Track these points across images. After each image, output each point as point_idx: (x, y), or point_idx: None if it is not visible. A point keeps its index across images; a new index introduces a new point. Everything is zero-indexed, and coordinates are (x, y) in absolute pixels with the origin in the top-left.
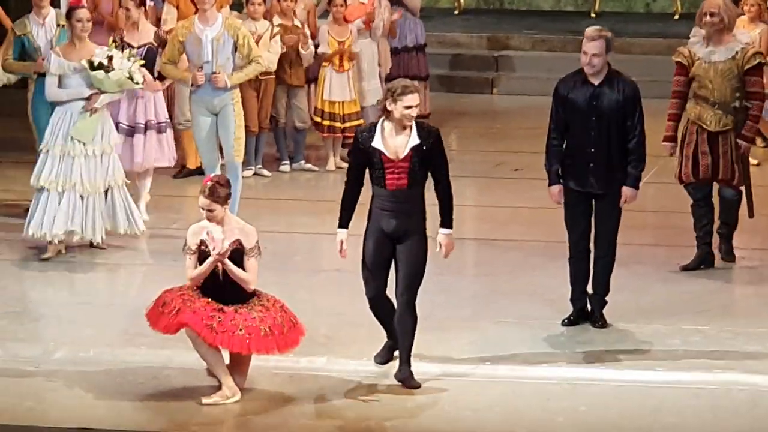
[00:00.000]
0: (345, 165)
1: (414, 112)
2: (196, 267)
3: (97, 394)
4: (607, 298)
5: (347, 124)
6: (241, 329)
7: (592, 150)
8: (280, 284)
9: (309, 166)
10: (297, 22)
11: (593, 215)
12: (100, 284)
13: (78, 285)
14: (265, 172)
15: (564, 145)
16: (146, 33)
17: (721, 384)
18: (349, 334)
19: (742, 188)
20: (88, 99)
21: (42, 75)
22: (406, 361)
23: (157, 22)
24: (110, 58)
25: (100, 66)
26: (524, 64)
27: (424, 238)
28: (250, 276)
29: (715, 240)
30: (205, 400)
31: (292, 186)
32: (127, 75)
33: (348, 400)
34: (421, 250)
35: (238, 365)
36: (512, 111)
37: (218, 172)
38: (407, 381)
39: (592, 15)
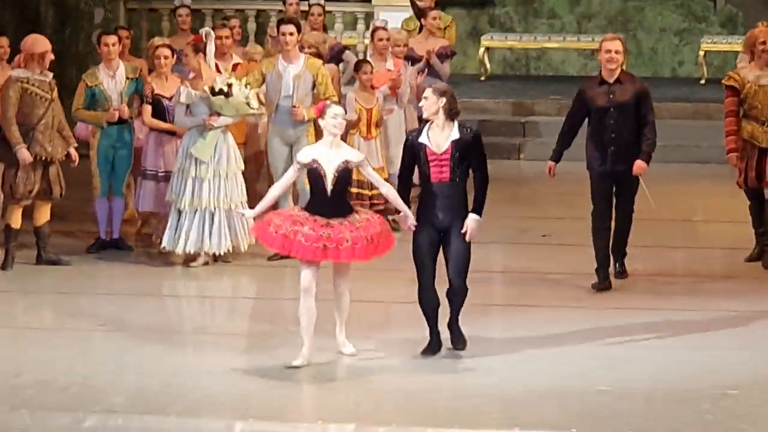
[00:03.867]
0: None
1: (421, 102)
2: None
3: None
4: (626, 251)
5: (375, 192)
6: (348, 240)
7: (612, 136)
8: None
9: None
10: None
11: (615, 192)
12: (132, 352)
13: (110, 349)
14: None
15: (574, 136)
16: (175, 83)
17: None
18: (398, 322)
19: None
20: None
21: (111, 124)
22: (455, 327)
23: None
24: (230, 86)
25: (221, 92)
26: (551, 129)
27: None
28: (378, 181)
29: None
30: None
31: None
32: (245, 101)
33: (395, 384)
34: (468, 241)
35: (342, 269)
36: (539, 176)
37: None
38: (458, 343)
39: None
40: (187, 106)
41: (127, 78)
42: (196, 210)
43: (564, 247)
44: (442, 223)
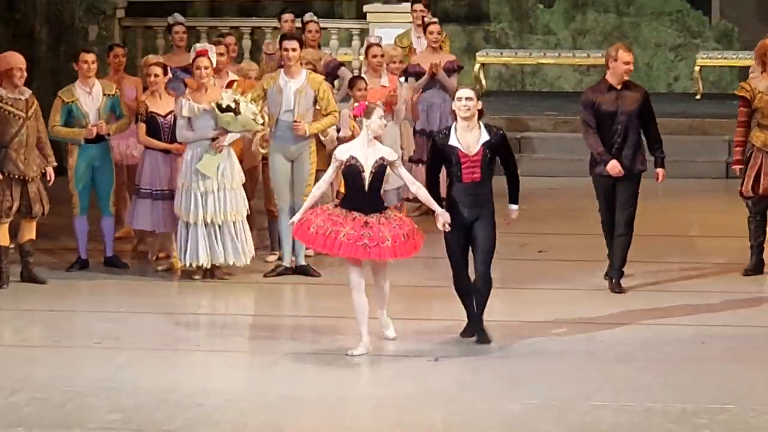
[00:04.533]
0: None
1: (464, 103)
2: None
3: None
4: (624, 269)
5: None
6: (388, 239)
7: (618, 140)
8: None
9: None
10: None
11: (616, 198)
12: (128, 369)
13: (106, 366)
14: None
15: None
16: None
17: None
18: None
19: None
20: (213, 139)
21: (88, 141)
22: (480, 322)
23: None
24: (236, 102)
25: (228, 108)
26: (546, 145)
27: (494, 221)
28: (409, 179)
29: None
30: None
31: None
32: (252, 117)
33: (392, 398)
34: (493, 231)
35: (381, 265)
36: (535, 192)
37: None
38: (481, 339)
39: None
40: (189, 119)
41: (104, 95)
42: (206, 224)
43: (561, 262)
44: (470, 217)
